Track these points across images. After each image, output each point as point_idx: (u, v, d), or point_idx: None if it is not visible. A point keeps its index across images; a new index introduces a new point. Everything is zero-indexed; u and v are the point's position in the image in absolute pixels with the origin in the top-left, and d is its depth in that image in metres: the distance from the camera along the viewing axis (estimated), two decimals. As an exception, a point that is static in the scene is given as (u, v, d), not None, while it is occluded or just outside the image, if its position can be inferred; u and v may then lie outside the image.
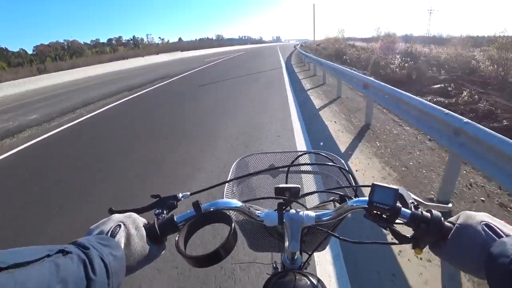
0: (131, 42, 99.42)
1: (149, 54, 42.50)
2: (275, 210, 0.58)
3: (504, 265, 0.34)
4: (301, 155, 0.88)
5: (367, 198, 0.50)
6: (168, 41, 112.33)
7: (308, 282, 0.51)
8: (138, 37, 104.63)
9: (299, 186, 0.65)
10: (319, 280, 0.53)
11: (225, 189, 0.77)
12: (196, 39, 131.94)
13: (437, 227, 0.45)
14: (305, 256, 0.67)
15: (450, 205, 0.59)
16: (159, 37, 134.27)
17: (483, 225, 0.41)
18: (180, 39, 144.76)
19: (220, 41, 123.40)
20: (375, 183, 0.49)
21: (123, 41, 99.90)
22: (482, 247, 0.39)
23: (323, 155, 0.83)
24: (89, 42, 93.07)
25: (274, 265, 0.91)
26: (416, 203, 0.50)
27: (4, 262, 0.27)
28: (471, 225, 0.42)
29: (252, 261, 1.73)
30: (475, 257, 0.40)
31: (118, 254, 0.40)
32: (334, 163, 0.79)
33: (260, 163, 0.91)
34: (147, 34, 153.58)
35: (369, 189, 0.49)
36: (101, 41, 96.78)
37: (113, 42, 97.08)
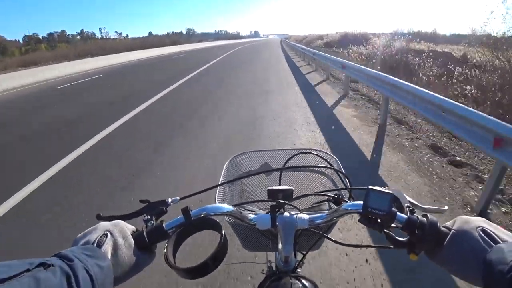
0: (78, 37, 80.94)
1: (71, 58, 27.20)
2: (267, 213, 0.57)
3: (503, 272, 0.33)
4: (296, 154, 0.83)
5: (361, 202, 0.48)
6: (127, 35, 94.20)
7: (301, 285, 0.51)
8: (88, 31, 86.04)
9: (292, 188, 0.64)
10: (312, 283, 0.52)
11: (217, 191, 0.73)
12: (168, 33, 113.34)
13: (433, 233, 0.43)
14: (299, 256, 0.66)
15: (445, 207, 0.53)
16: (116, 31, 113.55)
17: (480, 231, 0.40)
18: (150, 33, 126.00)
19: (190, 36, 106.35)
20: (370, 187, 0.48)
21: (67, 35, 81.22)
22: (478, 253, 0.38)
23: (316, 155, 0.83)
24: (20, 38, 73.89)
25: (269, 264, 0.89)
26: (411, 207, 0.49)
27: None
28: (467, 231, 0.41)
29: (246, 261, 1.62)
30: (471, 263, 0.39)
31: (105, 265, 0.38)
32: (329, 163, 0.81)
33: (253, 162, 0.88)
34: (100, 28, 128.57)
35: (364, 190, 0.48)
36: (40, 36, 77.70)
37: (55, 36, 78.21)
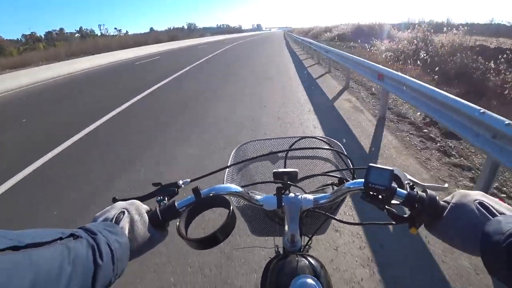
0: (77, 35, 79.16)
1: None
2: (274, 195, 0.59)
3: (499, 242, 0.34)
4: (299, 139, 0.85)
5: (363, 180, 0.49)
6: (127, 32, 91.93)
7: (307, 263, 0.51)
8: (87, 29, 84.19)
9: (297, 170, 0.66)
10: (318, 261, 0.53)
11: (225, 176, 0.77)
12: (169, 28, 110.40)
13: (432, 206, 0.44)
14: (305, 239, 0.68)
15: (446, 185, 0.55)
16: (115, 28, 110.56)
17: (477, 204, 0.41)
18: (151, 29, 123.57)
19: (191, 31, 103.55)
20: (371, 164, 0.48)
21: (66, 33, 79.39)
22: (476, 225, 0.39)
23: (321, 140, 0.84)
24: (20, 37, 72.42)
25: (276, 249, 0.92)
26: (412, 184, 0.51)
27: (21, 242, 0.27)
28: (466, 204, 0.42)
29: (254, 246, 1.70)
30: (469, 235, 0.40)
31: (123, 241, 0.41)
32: (331, 146, 0.82)
33: (259, 150, 0.91)
34: (99, 25, 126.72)
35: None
36: (42, 34, 76.06)
37: (54, 35, 76.49)
